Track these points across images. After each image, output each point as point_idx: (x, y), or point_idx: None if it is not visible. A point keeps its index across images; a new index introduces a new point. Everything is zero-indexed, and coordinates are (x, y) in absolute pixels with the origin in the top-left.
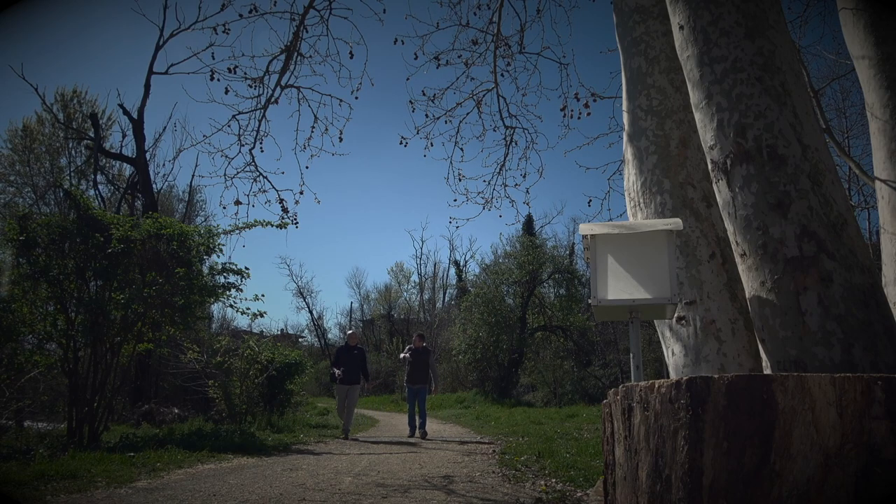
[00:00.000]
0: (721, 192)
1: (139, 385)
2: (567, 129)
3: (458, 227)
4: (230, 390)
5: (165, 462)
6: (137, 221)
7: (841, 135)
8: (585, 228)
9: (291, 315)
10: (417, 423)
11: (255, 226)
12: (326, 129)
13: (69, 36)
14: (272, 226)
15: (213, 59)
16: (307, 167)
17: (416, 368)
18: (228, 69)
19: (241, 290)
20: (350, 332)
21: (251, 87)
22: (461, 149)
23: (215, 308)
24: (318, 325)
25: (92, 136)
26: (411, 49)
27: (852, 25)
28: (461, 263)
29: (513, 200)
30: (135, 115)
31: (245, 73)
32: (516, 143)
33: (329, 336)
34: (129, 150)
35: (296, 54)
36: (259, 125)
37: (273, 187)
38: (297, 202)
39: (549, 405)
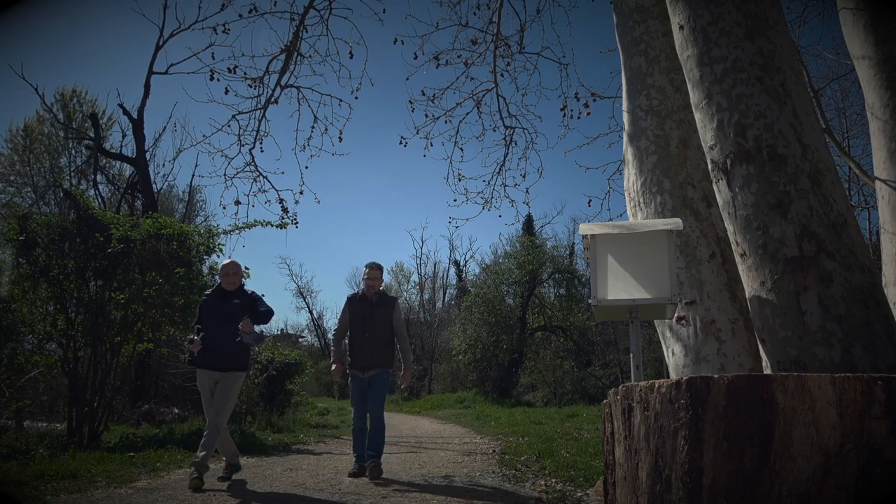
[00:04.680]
0: (721, 192)
1: (139, 385)
2: (567, 129)
3: (457, 227)
4: None
5: (165, 462)
6: (137, 221)
7: (841, 135)
8: (585, 228)
9: (291, 315)
10: (367, 446)
11: (255, 226)
12: (326, 129)
13: (69, 36)
14: (272, 226)
15: (213, 59)
16: (307, 167)
17: (366, 335)
18: (228, 69)
19: None
20: (226, 261)
21: (251, 87)
22: (461, 149)
23: None
24: (317, 325)
25: (92, 136)
26: (411, 49)
27: (852, 25)
28: (461, 263)
29: (513, 200)
30: (135, 115)
31: (245, 73)
32: (516, 143)
33: (329, 336)
34: (129, 150)
35: (296, 54)
36: (259, 125)
37: (273, 187)
38: (297, 202)
39: (549, 405)
